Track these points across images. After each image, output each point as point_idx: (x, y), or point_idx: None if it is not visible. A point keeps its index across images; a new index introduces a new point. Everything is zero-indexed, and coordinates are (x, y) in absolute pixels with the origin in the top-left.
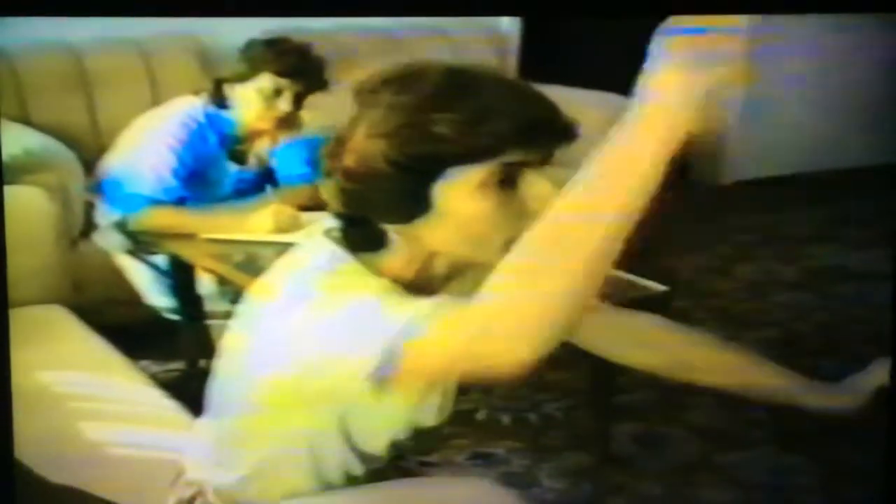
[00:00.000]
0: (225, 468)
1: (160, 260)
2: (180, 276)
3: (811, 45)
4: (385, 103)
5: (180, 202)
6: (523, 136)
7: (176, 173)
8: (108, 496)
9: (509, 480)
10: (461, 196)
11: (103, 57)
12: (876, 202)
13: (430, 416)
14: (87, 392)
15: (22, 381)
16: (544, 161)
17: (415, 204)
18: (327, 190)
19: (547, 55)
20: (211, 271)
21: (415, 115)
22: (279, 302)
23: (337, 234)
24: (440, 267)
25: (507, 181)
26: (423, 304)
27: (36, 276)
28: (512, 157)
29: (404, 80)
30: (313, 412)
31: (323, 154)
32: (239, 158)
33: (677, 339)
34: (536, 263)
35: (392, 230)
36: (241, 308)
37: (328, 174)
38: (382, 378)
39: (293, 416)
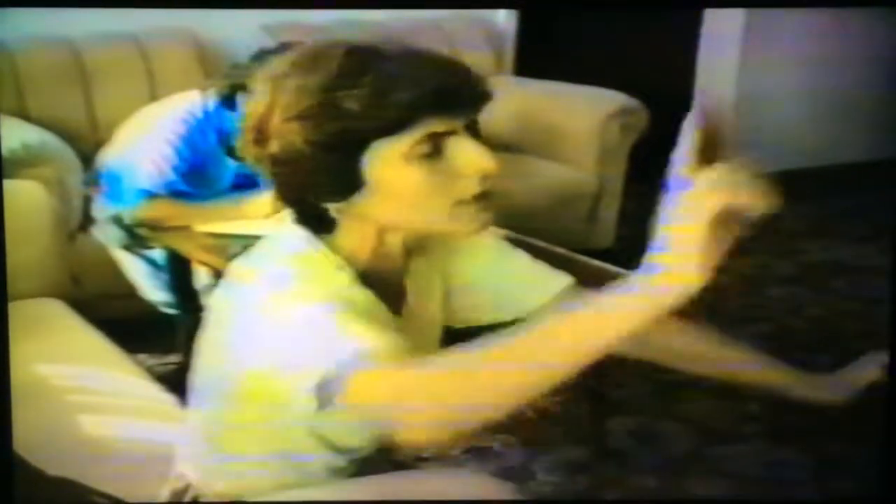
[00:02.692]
0: (208, 462)
1: (157, 254)
2: (177, 271)
3: (807, 39)
4: (294, 86)
5: (179, 197)
6: (434, 104)
7: (176, 168)
8: (104, 488)
9: (505, 474)
10: (390, 169)
11: (101, 51)
12: (871, 198)
13: None
14: (83, 385)
15: (19, 374)
16: (470, 128)
17: (347, 181)
18: (264, 178)
19: (544, 49)
20: (207, 265)
21: (323, 95)
22: (248, 296)
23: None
24: (394, 242)
25: (434, 150)
26: (377, 337)
27: (33, 269)
28: (431, 126)
29: (310, 61)
30: (279, 408)
31: (248, 142)
32: (237, 155)
33: (663, 327)
34: (479, 374)
35: (334, 209)
36: (215, 299)
37: (258, 162)
38: (326, 395)
39: (261, 410)
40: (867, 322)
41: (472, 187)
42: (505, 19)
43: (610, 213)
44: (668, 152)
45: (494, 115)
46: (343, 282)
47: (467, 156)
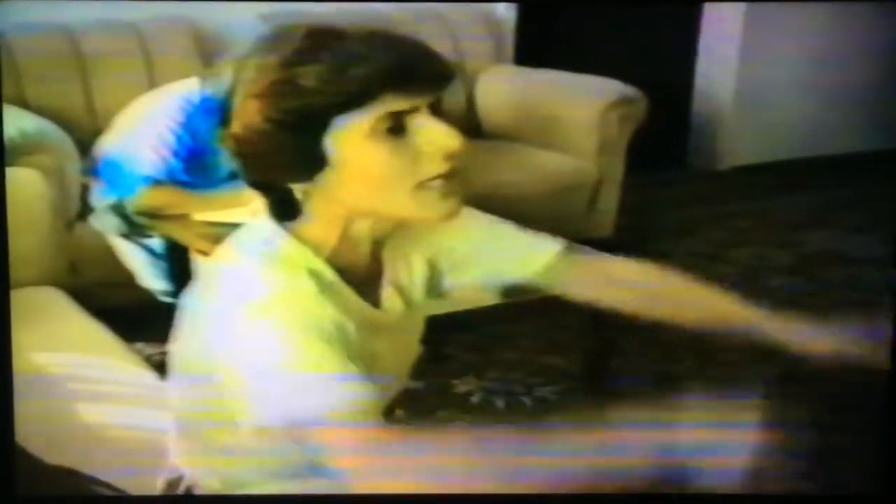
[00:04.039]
0: (194, 450)
1: (155, 242)
2: (175, 259)
3: (807, 30)
4: (254, 66)
5: (179, 186)
6: (391, 81)
7: (176, 153)
8: (101, 477)
9: None
10: (352, 146)
11: (99, 39)
12: (871, 188)
13: None
14: (81, 374)
15: (16, 362)
16: (434, 107)
17: (309, 159)
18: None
19: (543, 40)
20: (205, 253)
21: (281, 72)
22: (217, 290)
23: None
24: (362, 230)
25: (397, 128)
26: (341, 392)
27: (31, 257)
28: (392, 104)
29: (270, 42)
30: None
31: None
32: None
33: (648, 275)
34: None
35: (301, 191)
36: (192, 288)
37: (222, 143)
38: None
39: (233, 403)
40: (866, 314)
41: (436, 167)
42: (505, 9)
43: (609, 202)
44: (668, 142)
45: (494, 104)
46: (311, 291)
47: (431, 134)
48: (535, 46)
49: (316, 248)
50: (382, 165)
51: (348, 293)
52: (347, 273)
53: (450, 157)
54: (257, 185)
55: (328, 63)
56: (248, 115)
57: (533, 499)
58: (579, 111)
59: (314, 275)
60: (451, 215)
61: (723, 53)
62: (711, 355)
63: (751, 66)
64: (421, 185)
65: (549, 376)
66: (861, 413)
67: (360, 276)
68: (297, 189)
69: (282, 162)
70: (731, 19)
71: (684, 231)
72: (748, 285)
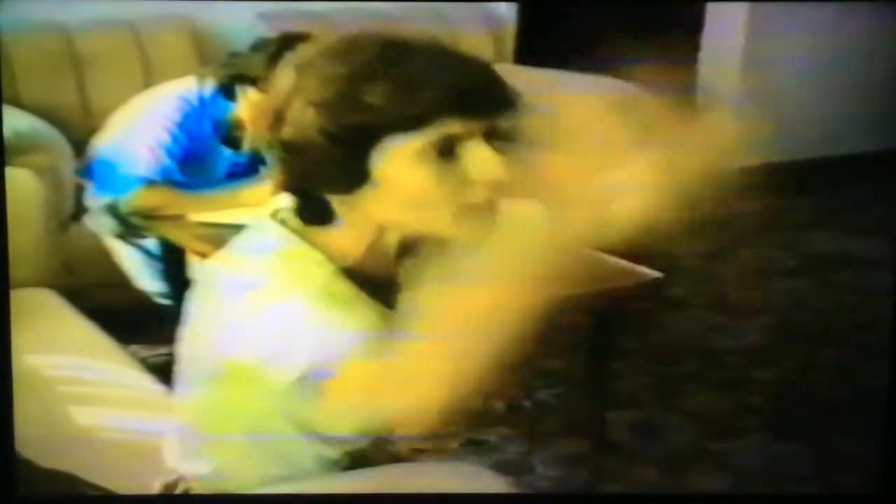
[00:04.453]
0: (196, 455)
1: (151, 244)
2: (171, 260)
3: (812, 31)
4: (319, 74)
5: (175, 186)
6: (457, 105)
7: (172, 153)
8: (96, 480)
9: (503, 467)
10: (399, 166)
11: (95, 38)
12: (876, 189)
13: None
14: (75, 376)
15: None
16: (490, 133)
17: (354, 174)
18: (271, 162)
19: (544, 39)
20: (202, 255)
21: (347, 86)
22: (224, 287)
23: (286, 214)
24: (391, 241)
25: (447, 151)
26: (358, 328)
27: (25, 258)
28: (449, 127)
29: (339, 51)
30: (263, 398)
31: (263, 127)
32: (233, 143)
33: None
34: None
35: (336, 201)
36: (197, 290)
37: (269, 146)
38: (309, 385)
39: (245, 400)
40: (872, 315)
41: (479, 193)
42: (505, 9)
43: None
44: None
45: None
46: (321, 277)
47: (481, 162)
48: (536, 46)
49: (337, 256)
50: (426, 187)
51: (363, 296)
52: (365, 280)
53: (495, 186)
54: (294, 191)
55: (396, 82)
56: (303, 122)
57: (533, 499)
58: (580, 111)
59: (325, 274)
60: (487, 234)
61: (726, 53)
62: (711, 356)
63: (754, 67)
64: (461, 208)
65: (550, 379)
66: (861, 413)
67: (379, 282)
68: (335, 200)
69: (325, 172)
70: (734, 19)
71: (687, 233)
72: (754, 287)
